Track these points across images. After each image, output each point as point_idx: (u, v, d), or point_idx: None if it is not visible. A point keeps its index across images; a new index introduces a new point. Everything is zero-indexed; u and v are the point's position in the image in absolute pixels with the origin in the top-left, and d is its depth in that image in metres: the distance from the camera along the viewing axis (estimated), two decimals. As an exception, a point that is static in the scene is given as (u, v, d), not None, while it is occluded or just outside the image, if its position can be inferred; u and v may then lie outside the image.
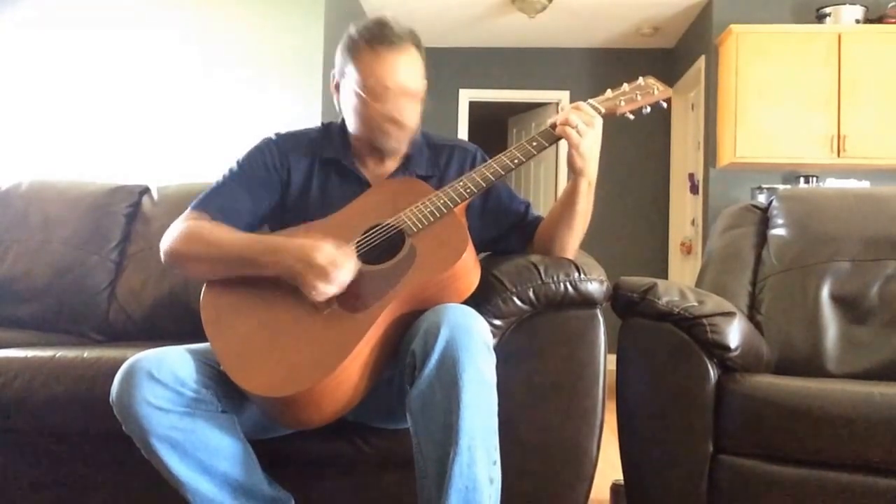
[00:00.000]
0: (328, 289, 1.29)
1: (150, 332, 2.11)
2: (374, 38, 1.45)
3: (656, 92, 1.56)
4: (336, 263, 1.28)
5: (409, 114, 1.49)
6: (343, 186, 1.53)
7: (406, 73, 1.47)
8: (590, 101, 1.51)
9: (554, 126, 1.46)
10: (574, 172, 1.47)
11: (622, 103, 1.53)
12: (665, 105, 1.58)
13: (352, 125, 1.53)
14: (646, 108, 1.55)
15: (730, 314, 1.53)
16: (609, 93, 1.55)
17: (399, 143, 1.52)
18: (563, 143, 1.47)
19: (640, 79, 1.58)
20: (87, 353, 1.62)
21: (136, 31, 4.18)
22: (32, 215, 2.30)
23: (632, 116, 1.55)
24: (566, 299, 1.47)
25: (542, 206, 5.72)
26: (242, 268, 1.37)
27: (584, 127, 1.42)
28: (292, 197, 1.54)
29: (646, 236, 5.84)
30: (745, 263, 2.01)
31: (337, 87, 1.54)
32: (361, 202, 1.49)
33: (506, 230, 1.62)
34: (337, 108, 1.57)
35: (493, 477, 1.23)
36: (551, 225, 1.55)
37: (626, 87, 1.56)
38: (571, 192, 1.48)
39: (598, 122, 1.45)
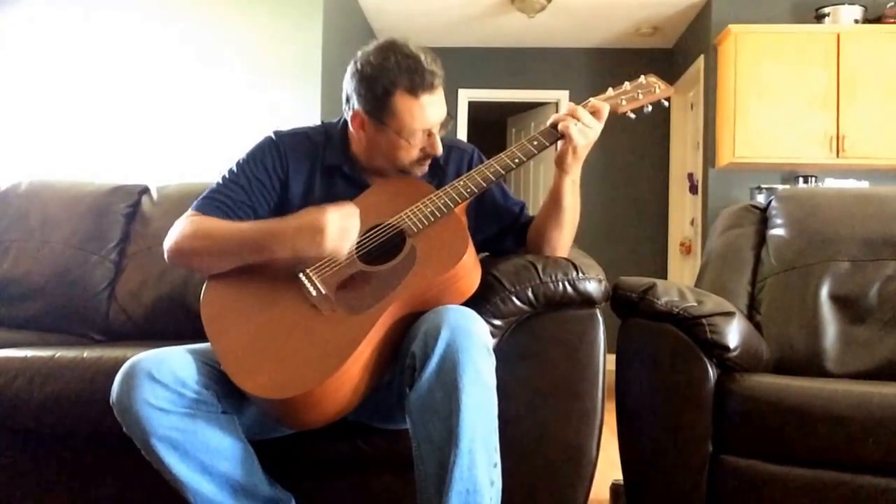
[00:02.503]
0: (343, 250, 1.32)
1: (150, 332, 2.10)
2: (416, 87, 1.40)
3: (658, 90, 1.56)
4: (348, 232, 1.32)
5: (440, 143, 1.49)
6: (347, 190, 1.52)
7: (442, 107, 1.47)
8: (591, 99, 1.51)
9: (555, 125, 1.47)
10: (560, 170, 1.48)
11: (624, 102, 1.53)
12: (667, 104, 1.58)
13: (382, 159, 1.51)
14: (647, 106, 1.55)
15: (729, 314, 1.53)
16: (611, 91, 1.56)
17: (427, 169, 1.53)
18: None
19: (642, 77, 1.58)
20: (87, 353, 1.62)
21: (136, 31, 4.18)
22: (32, 215, 2.30)
23: (633, 115, 1.56)
24: (565, 298, 1.47)
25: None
26: (246, 256, 1.38)
27: (587, 129, 1.43)
28: (295, 200, 1.53)
29: (645, 236, 5.84)
30: (745, 263, 2.01)
31: (363, 123, 1.48)
32: (362, 202, 1.48)
33: (500, 231, 1.62)
34: (356, 136, 1.52)
35: (494, 479, 1.24)
36: (541, 224, 1.55)
37: (627, 85, 1.56)
38: (556, 191, 1.50)
39: (600, 127, 1.47)
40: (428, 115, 1.43)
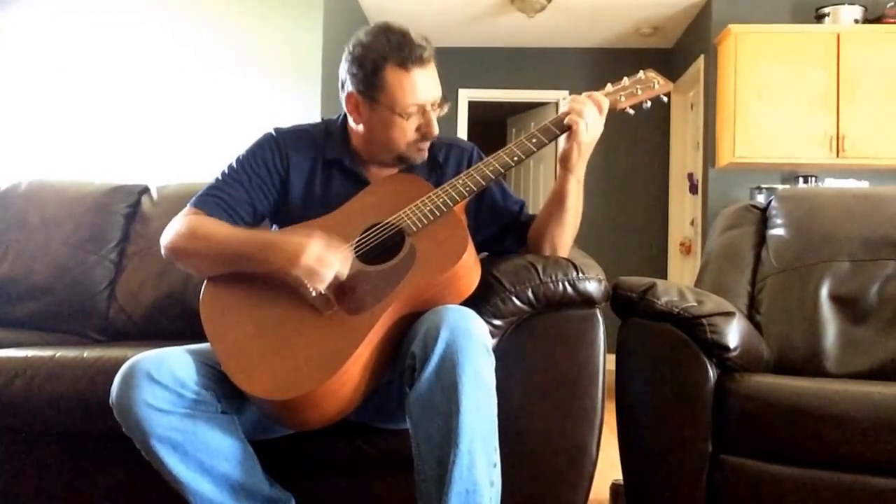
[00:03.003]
0: (318, 286, 1.30)
1: (150, 332, 2.11)
2: (405, 59, 1.41)
3: (657, 86, 1.56)
4: (324, 262, 1.29)
5: (436, 123, 1.49)
6: (346, 186, 1.53)
7: (436, 85, 1.46)
8: (592, 93, 1.50)
9: (555, 122, 1.46)
10: (565, 168, 1.48)
11: (622, 98, 1.53)
12: (666, 99, 1.58)
13: (380, 144, 1.50)
14: (646, 102, 1.55)
15: (729, 314, 1.53)
16: (609, 87, 1.55)
17: (426, 154, 1.53)
18: (560, 140, 1.48)
19: (641, 72, 1.58)
20: (87, 353, 1.62)
21: (136, 30, 4.18)
22: (32, 215, 2.30)
23: (632, 111, 1.55)
24: (565, 298, 1.47)
25: (541, 206, 5.71)
26: (238, 264, 1.38)
27: (591, 124, 1.43)
28: (295, 196, 1.53)
29: (645, 236, 5.84)
30: (745, 263, 2.01)
31: (357, 105, 1.48)
32: (361, 200, 1.48)
33: (500, 230, 1.61)
34: (353, 122, 1.52)
35: (493, 479, 1.23)
36: (542, 224, 1.55)
37: (626, 81, 1.56)
38: (560, 190, 1.50)
39: (602, 122, 1.47)
40: (419, 88, 1.43)
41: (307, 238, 1.31)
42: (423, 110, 1.45)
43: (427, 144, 1.51)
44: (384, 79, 1.42)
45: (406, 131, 1.46)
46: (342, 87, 1.50)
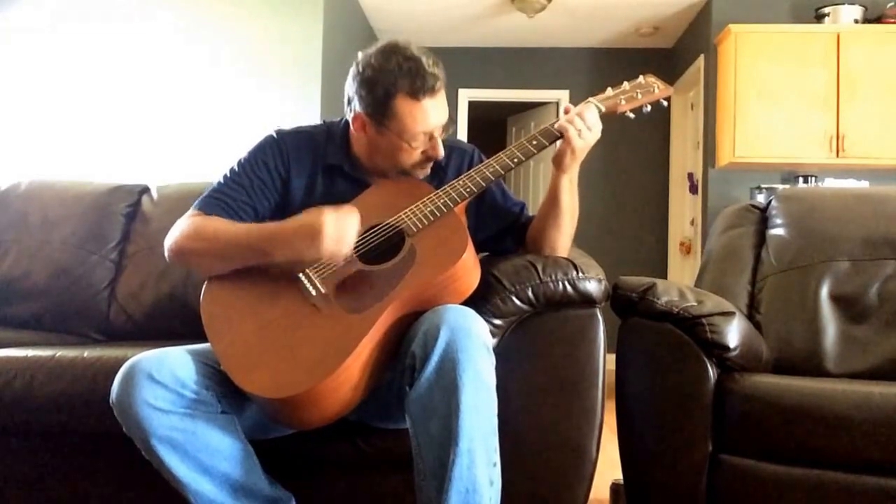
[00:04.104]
0: (344, 249, 1.31)
1: (150, 332, 2.10)
2: (417, 90, 1.40)
3: (657, 90, 1.57)
4: (344, 223, 1.31)
5: (442, 146, 1.49)
6: (347, 188, 1.53)
7: (444, 111, 1.46)
8: (590, 99, 1.52)
9: (554, 125, 1.47)
10: (558, 169, 1.49)
11: (623, 102, 1.54)
12: (666, 103, 1.59)
13: (383, 161, 1.50)
14: (646, 106, 1.56)
15: (729, 314, 1.53)
16: (609, 91, 1.56)
17: (428, 171, 1.53)
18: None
19: (641, 77, 1.59)
20: (87, 353, 1.62)
21: (136, 31, 4.18)
22: (32, 215, 2.29)
23: (632, 115, 1.57)
24: (565, 298, 1.47)
25: (541, 206, 5.71)
26: (246, 258, 1.38)
27: (586, 132, 1.44)
28: (296, 198, 1.53)
29: (645, 236, 5.84)
30: (745, 263, 2.01)
31: (364, 125, 1.47)
32: (362, 201, 1.48)
33: (500, 231, 1.62)
34: (357, 137, 1.51)
35: (493, 479, 1.24)
36: (540, 224, 1.56)
37: (626, 85, 1.57)
38: (554, 190, 1.51)
39: (599, 128, 1.47)
40: (429, 118, 1.43)
41: (316, 212, 1.31)
42: (430, 136, 1.46)
43: (430, 163, 1.52)
44: (394, 107, 1.41)
45: (412, 155, 1.47)
46: (348, 103, 1.49)
